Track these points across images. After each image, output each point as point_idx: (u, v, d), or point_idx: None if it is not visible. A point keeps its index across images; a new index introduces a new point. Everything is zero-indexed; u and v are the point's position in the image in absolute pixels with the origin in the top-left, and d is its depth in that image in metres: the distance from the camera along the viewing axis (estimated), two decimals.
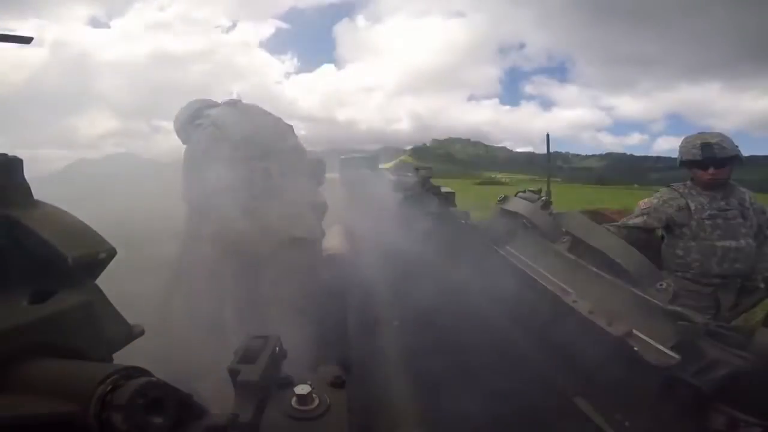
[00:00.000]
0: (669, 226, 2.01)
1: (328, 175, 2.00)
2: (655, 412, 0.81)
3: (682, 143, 2.00)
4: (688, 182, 2.01)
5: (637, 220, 2.02)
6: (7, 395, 0.54)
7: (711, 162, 1.87)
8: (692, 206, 1.93)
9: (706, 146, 1.86)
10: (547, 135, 2.65)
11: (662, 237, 2.09)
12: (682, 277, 1.96)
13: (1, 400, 0.53)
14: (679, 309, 0.93)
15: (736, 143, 1.87)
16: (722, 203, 1.91)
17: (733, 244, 1.86)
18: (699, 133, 1.96)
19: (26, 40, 1.11)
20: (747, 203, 1.92)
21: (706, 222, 1.89)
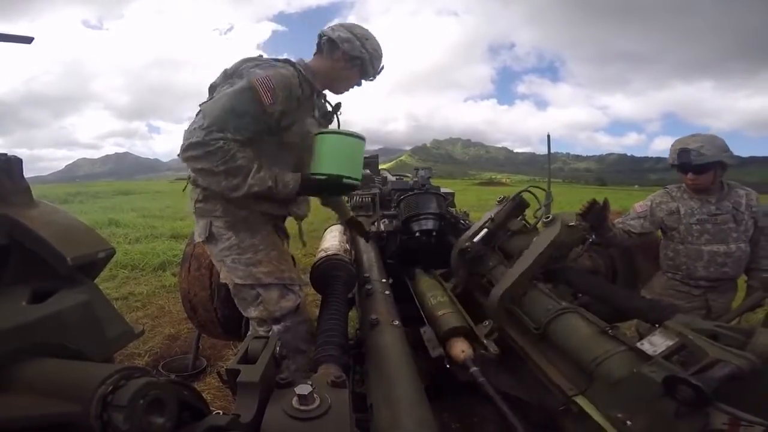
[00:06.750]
0: (662, 229, 2.03)
1: None
2: (656, 411, 0.81)
3: (671, 145, 2.00)
4: (682, 185, 2.01)
5: (633, 223, 2.04)
6: (7, 395, 0.54)
7: (688, 168, 1.87)
8: (682, 210, 1.94)
9: (683, 152, 1.85)
10: (548, 135, 2.66)
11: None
12: (672, 278, 1.99)
13: (1, 400, 0.53)
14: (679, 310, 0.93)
15: (730, 145, 1.86)
16: (713, 207, 1.89)
17: (721, 248, 1.87)
18: (691, 135, 1.94)
19: (27, 40, 1.11)
20: (743, 207, 1.89)
21: (694, 227, 1.90)
